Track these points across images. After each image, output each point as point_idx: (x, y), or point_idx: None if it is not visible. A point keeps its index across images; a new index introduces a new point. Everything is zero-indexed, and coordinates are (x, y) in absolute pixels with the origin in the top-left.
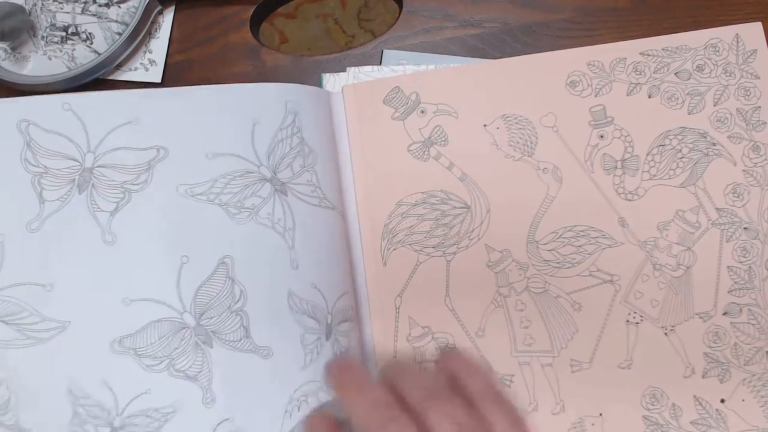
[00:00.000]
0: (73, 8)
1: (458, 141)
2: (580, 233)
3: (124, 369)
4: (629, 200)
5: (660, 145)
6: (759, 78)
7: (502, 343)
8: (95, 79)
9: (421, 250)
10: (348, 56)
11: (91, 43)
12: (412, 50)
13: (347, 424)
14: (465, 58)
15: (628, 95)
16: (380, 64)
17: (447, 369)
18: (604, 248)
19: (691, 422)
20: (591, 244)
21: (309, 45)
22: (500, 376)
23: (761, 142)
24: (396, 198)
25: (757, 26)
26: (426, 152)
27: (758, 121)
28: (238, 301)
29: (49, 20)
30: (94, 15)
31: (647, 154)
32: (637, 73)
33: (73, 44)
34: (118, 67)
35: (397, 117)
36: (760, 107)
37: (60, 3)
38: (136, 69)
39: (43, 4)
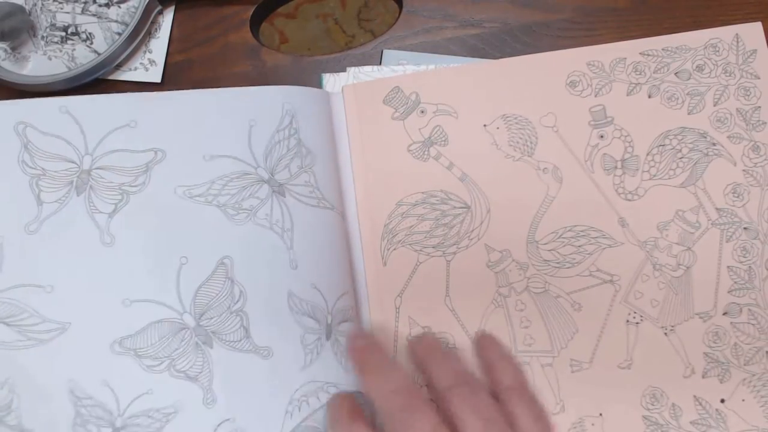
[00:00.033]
0: (73, 8)
1: (458, 141)
2: (580, 233)
3: (124, 370)
4: (629, 200)
5: (660, 145)
6: (759, 78)
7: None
8: (95, 79)
9: (421, 250)
10: (348, 56)
11: (91, 43)
12: (412, 50)
13: (367, 405)
14: (465, 58)
15: (628, 95)
16: (380, 64)
17: (482, 357)
18: (604, 248)
19: (691, 422)
20: (591, 244)
21: (309, 45)
22: None
23: (761, 142)
24: (396, 198)
25: (757, 26)
26: (426, 152)
27: (758, 121)
28: (237, 301)
29: (49, 20)
30: (94, 15)
31: (647, 154)
32: (637, 73)
33: (73, 44)
34: (118, 67)
35: (397, 117)
36: (760, 107)
37: (60, 3)
38: (136, 69)
39: (43, 4)
